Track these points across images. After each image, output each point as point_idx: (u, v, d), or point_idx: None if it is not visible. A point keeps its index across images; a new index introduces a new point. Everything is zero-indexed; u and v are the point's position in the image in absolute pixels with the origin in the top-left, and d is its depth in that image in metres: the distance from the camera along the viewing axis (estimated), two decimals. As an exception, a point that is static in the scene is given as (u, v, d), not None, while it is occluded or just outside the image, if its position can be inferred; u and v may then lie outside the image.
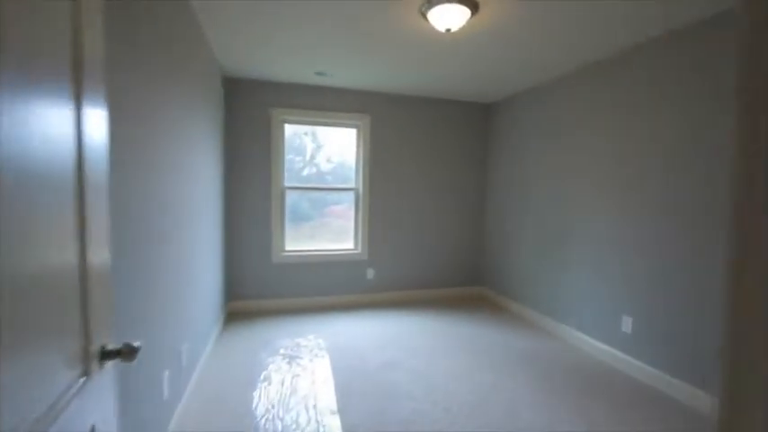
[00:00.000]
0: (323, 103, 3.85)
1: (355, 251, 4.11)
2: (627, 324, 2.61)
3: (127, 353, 0.83)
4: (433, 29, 2.39)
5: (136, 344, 0.84)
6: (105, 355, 0.81)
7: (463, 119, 4.34)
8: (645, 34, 2.41)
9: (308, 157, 4.04)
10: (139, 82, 1.40)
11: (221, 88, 3.37)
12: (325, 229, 4.11)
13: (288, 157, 3.91)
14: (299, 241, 4.00)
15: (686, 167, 2.28)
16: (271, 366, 2.61)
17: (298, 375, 2.50)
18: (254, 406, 2.15)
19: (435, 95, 4.12)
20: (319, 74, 3.48)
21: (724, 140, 2.09)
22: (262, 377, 2.47)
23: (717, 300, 2.09)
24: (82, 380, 0.72)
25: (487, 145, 4.43)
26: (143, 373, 1.47)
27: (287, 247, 3.93)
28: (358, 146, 4.07)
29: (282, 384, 2.38)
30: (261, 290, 3.81)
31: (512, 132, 3.99)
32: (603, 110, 2.84)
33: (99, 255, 0.80)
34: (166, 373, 1.74)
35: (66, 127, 0.66)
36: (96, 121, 0.78)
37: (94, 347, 0.77)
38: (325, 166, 4.08)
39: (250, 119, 3.67)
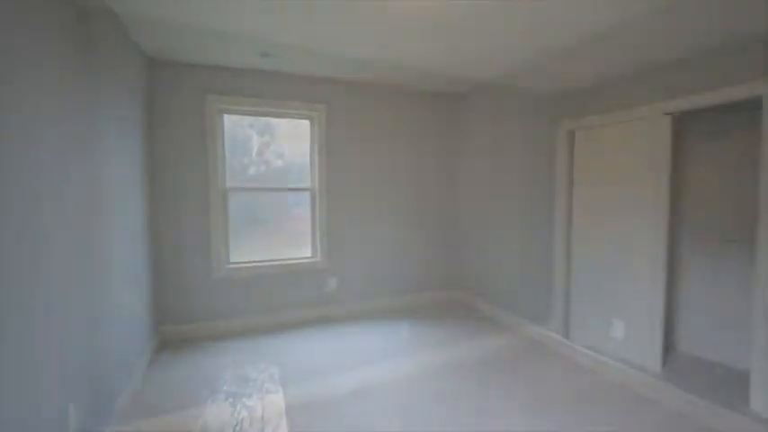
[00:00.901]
0: (270, 90, 3.34)
1: (314, 259, 3.62)
2: (618, 328, 2.38)
3: None
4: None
5: None
6: None
7: (431, 109, 4.00)
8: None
9: (254, 154, 3.49)
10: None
11: (139, 69, 2.75)
12: (284, 235, 3.59)
13: (238, 155, 3.36)
14: (253, 250, 3.44)
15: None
16: (208, 412, 2.08)
17: (243, 421, 1.99)
18: (180, 475, 1.62)
19: (399, 82, 3.74)
20: (265, 55, 2.97)
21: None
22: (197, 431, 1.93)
23: (704, 302, 1.90)
24: None
25: (458, 138, 4.13)
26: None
27: (232, 259, 3.36)
28: (312, 140, 3.59)
29: (222, 438, 1.86)
30: (200, 310, 3.21)
31: (481, 125, 3.71)
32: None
33: None
34: (31, 459, 1.19)
35: None
36: None
37: None
38: (275, 164, 3.56)
39: (180, 109, 3.07)
